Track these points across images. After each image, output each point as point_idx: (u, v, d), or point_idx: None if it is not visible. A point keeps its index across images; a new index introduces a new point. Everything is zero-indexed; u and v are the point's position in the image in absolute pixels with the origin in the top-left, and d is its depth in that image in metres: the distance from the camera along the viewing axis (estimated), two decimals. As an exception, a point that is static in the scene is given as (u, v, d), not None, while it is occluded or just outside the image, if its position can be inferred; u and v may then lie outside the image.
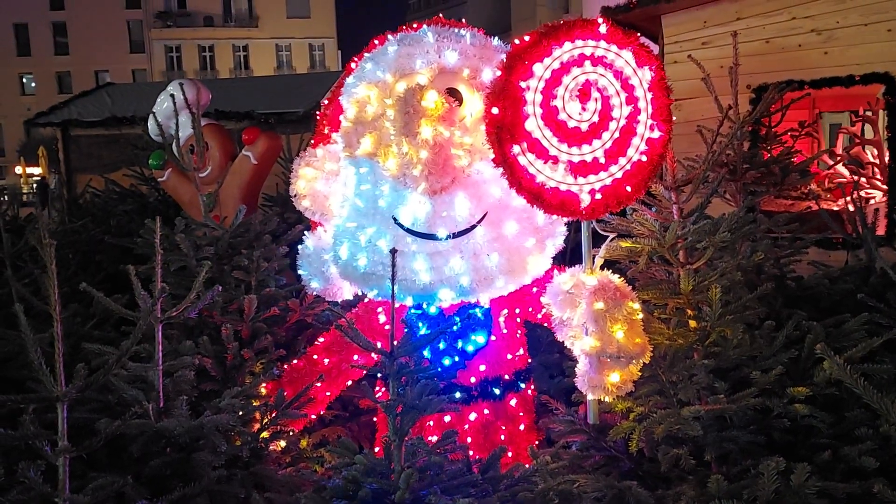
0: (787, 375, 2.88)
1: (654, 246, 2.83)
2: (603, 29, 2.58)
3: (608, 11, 6.06)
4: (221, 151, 5.65)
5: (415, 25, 3.40)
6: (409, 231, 3.03)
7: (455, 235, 2.98)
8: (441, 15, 3.40)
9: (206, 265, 3.20)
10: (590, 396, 2.79)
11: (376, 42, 3.45)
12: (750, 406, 2.70)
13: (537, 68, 2.56)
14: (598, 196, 2.64)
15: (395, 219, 3.06)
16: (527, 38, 2.58)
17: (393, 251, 2.47)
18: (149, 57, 47.60)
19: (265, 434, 3.24)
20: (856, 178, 6.90)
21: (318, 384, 3.52)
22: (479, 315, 3.30)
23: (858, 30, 5.43)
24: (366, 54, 3.39)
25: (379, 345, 2.71)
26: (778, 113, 5.03)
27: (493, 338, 3.31)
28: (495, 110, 2.56)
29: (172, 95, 5.65)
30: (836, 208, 6.09)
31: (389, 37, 3.33)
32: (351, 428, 3.99)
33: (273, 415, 3.32)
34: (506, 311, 3.40)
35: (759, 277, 3.42)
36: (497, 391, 3.30)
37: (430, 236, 2.99)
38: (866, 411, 2.71)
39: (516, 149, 2.58)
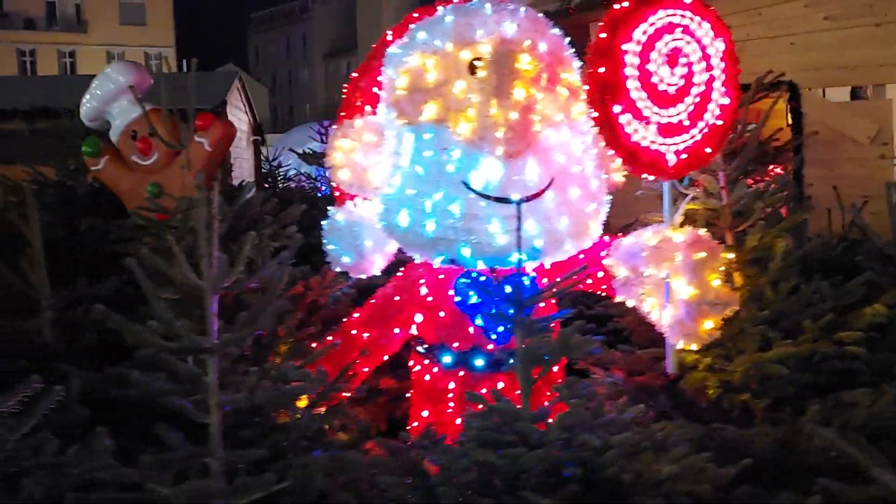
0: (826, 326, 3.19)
1: (714, 206, 3.06)
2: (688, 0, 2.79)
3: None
4: (168, 138, 5.29)
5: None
6: (480, 195, 3.03)
7: (527, 199, 3.03)
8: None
9: (252, 235, 3.01)
10: (680, 345, 2.94)
11: (415, 15, 3.45)
12: (806, 351, 2.99)
13: (636, 33, 2.71)
14: (684, 156, 2.83)
15: (465, 183, 3.05)
16: (625, 3, 2.73)
17: (519, 202, 2.49)
18: (-42, 58, 42.82)
19: (320, 410, 3.09)
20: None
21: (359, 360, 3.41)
22: (527, 283, 3.36)
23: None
24: (412, 25, 3.36)
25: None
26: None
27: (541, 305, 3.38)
28: (601, 70, 2.67)
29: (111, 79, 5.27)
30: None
31: (440, 8, 3.33)
32: (369, 409, 3.87)
33: (320, 391, 3.16)
34: (546, 280, 3.48)
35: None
36: (547, 356, 3.37)
37: (504, 200, 3.02)
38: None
39: (617, 108, 2.71)
